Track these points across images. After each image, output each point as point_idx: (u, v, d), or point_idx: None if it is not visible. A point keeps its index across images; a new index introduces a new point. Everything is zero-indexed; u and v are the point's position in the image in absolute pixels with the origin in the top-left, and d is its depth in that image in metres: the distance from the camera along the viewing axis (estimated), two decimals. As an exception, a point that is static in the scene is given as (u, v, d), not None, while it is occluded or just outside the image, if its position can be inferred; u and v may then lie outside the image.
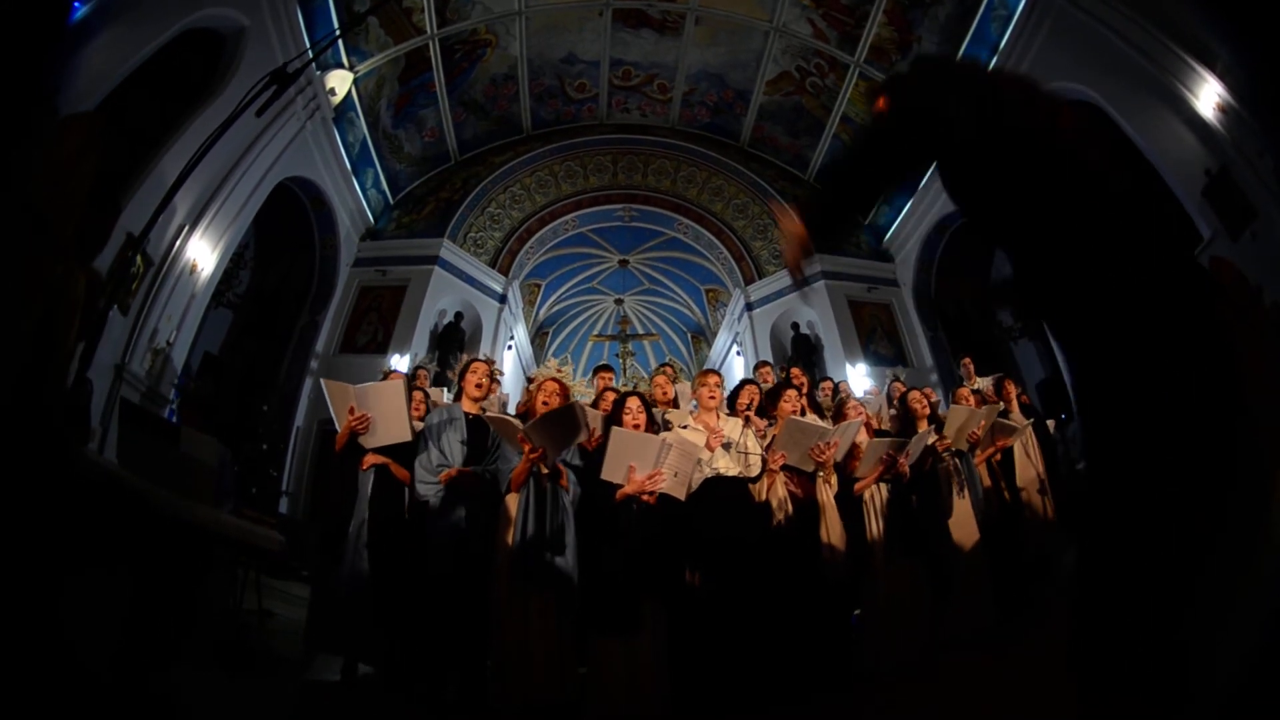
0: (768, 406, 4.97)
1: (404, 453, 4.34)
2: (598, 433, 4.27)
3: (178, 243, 7.78)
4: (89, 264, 3.04)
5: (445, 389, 6.55)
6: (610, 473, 3.85)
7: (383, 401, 4.30)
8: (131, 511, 2.65)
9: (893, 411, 5.73)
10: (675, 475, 3.87)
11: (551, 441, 3.84)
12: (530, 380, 4.69)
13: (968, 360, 7.10)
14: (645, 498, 3.82)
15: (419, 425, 4.41)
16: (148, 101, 6.88)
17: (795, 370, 5.97)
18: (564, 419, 3.85)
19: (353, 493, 4.32)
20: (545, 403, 4.19)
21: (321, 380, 4.59)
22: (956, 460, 5.00)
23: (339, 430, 4.35)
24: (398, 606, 4.02)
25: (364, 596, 4.06)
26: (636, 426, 4.07)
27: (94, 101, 5.53)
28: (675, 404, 5.39)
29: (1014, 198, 1.73)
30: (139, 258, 7.05)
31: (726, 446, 4.28)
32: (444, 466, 4.07)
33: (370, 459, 4.34)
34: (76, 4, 5.19)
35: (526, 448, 3.79)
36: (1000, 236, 1.86)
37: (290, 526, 6.87)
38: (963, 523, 4.76)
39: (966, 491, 4.88)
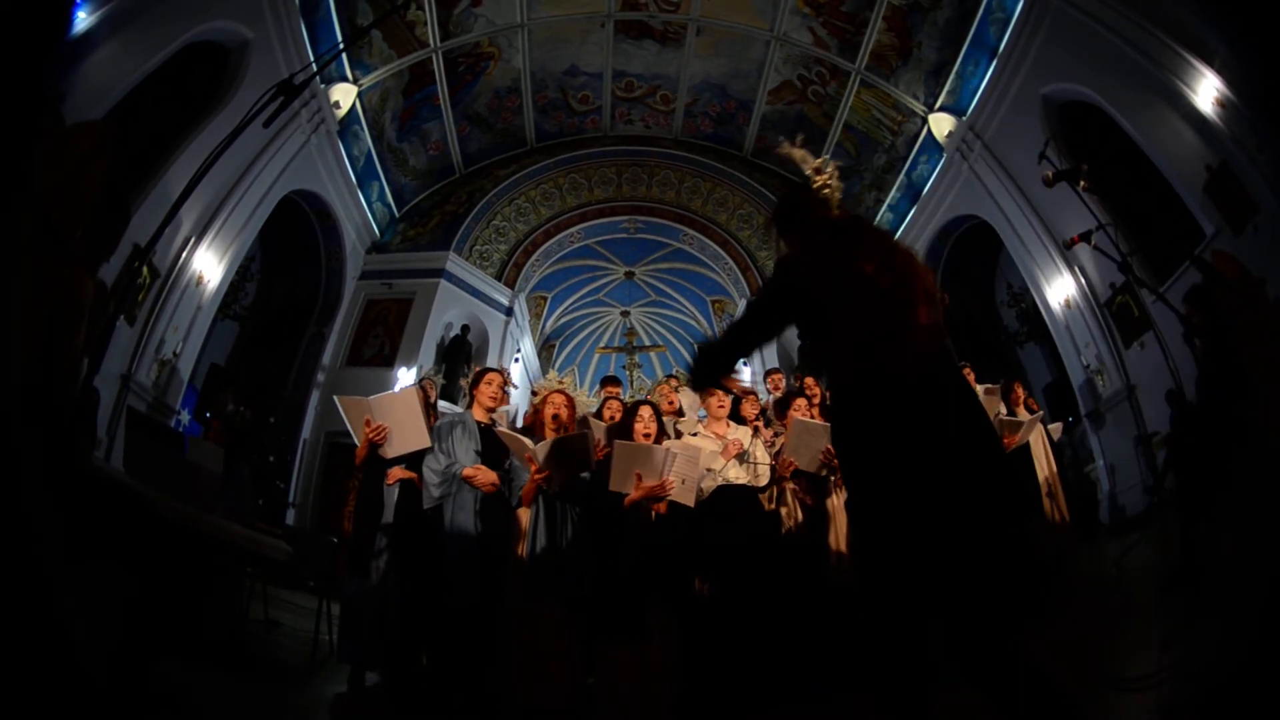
0: (778, 415, 4.97)
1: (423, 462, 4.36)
2: (602, 442, 4.27)
3: (184, 254, 7.85)
4: (98, 268, 3.07)
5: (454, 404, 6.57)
6: (618, 484, 3.86)
7: (398, 410, 4.29)
8: (138, 516, 2.66)
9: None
10: (683, 483, 3.89)
11: (559, 466, 3.87)
12: (535, 394, 4.71)
13: (966, 369, 7.03)
14: (656, 506, 3.83)
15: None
16: (154, 113, 6.94)
17: (809, 380, 5.95)
18: (575, 447, 3.89)
19: (377, 505, 4.30)
20: (555, 415, 4.22)
21: (335, 397, 4.60)
22: None
23: (358, 444, 4.36)
24: (417, 613, 4.02)
25: (389, 606, 4.07)
26: (648, 435, 4.07)
27: (101, 111, 5.59)
28: (681, 413, 5.39)
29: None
30: (145, 269, 7.10)
31: (740, 457, 4.28)
32: (451, 467, 4.08)
33: (395, 474, 4.31)
34: (78, 3, 5.25)
35: (534, 468, 3.83)
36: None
37: (297, 538, 6.86)
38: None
39: None
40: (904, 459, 1.81)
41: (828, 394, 2.19)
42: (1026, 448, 5.66)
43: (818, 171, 2.46)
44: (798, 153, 2.57)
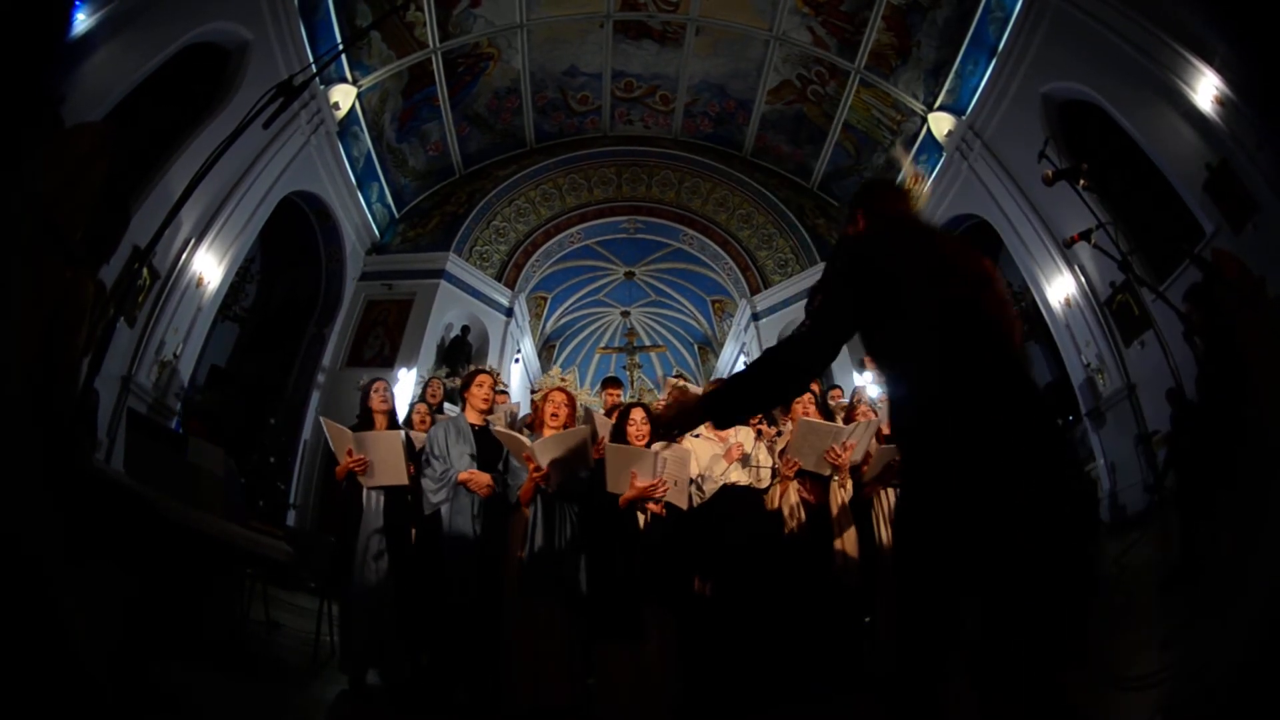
0: (779, 414, 4.95)
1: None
2: (605, 439, 4.28)
3: (184, 256, 7.84)
4: (98, 269, 3.07)
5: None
6: (614, 485, 3.88)
7: (380, 448, 4.38)
8: (138, 517, 2.66)
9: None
10: (675, 484, 3.90)
11: (557, 464, 3.88)
12: (535, 391, 4.72)
13: None
14: (652, 507, 3.83)
15: (422, 438, 4.46)
16: (154, 114, 6.94)
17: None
18: (572, 444, 3.89)
19: (357, 508, 4.37)
20: (554, 414, 4.24)
21: (321, 419, 4.71)
22: None
23: (339, 464, 4.44)
24: (413, 615, 4.04)
25: (383, 609, 4.11)
26: (640, 437, 4.08)
27: (101, 113, 5.59)
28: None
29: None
30: (145, 270, 7.10)
31: (744, 460, 4.28)
32: (447, 472, 4.09)
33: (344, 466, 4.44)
34: (78, 4, 5.26)
35: (532, 466, 3.83)
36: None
37: (297, 538, 6.86)
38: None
39: None
40: (985, 466, 1.66)
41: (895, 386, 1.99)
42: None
43: (915, 179, 2.45)
44: (905, 158, 2.58)
